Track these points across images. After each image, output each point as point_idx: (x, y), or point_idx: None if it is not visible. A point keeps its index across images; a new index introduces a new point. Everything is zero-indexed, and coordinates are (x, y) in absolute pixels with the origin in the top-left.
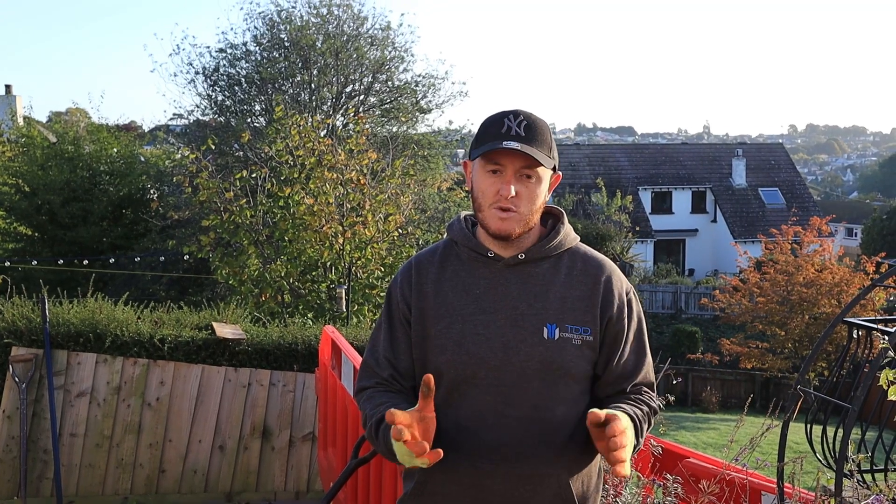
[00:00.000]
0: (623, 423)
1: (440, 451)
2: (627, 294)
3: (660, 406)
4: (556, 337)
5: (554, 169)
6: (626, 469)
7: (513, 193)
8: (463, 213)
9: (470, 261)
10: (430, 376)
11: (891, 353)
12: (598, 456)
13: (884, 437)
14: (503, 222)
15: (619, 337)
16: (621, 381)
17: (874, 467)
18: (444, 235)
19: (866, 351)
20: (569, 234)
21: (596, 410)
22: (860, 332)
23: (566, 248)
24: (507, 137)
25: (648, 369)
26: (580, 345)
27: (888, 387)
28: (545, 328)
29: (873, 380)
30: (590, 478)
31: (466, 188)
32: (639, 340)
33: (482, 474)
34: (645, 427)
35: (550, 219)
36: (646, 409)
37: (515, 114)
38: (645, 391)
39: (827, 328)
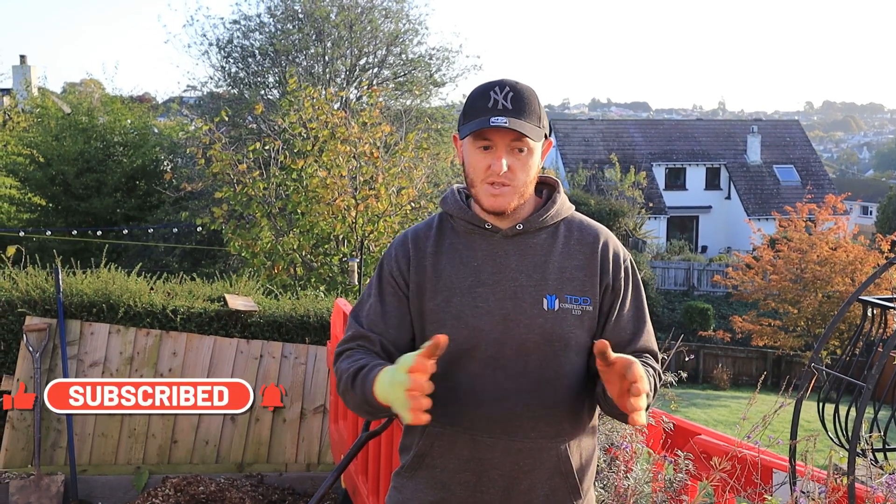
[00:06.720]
0: (641, 370)
1: (430, 417)
2: (625, 262)
3: (667, 378)
4: (556, 308)
5: (545, 136)
6: (642, 418)
7: (505, 169)
8: (456, 186)
9: (466, 233)
10: (444, 337)
11: None
12: (596, 429)
13: None
14: (496, 199)
15: (615, 302)
16: (620, 347)
17: (887, 446)
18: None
19: (880, 330)
20: (564, 204)
21: (603, 340)
22: (875, 311)
23: (562, 218)
24: (494, 112)
25: (649, 337)
26: (580, 315)
27: None
28: (545, 300)
29: (888, 359)
30: (588, 451)
31: (458, 162)
32: (637, 308)
33: (481, 448)
34: (653, 384)
35: (545, 188)
36: (651, 370)
37: (501, 85)
38: (647, 356)
39: (842, 306)
